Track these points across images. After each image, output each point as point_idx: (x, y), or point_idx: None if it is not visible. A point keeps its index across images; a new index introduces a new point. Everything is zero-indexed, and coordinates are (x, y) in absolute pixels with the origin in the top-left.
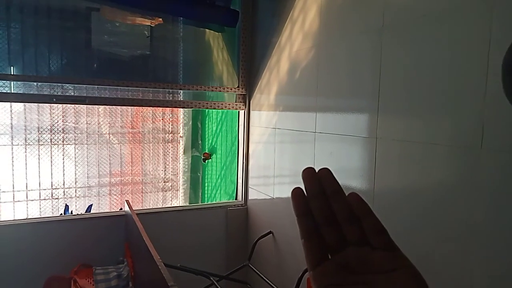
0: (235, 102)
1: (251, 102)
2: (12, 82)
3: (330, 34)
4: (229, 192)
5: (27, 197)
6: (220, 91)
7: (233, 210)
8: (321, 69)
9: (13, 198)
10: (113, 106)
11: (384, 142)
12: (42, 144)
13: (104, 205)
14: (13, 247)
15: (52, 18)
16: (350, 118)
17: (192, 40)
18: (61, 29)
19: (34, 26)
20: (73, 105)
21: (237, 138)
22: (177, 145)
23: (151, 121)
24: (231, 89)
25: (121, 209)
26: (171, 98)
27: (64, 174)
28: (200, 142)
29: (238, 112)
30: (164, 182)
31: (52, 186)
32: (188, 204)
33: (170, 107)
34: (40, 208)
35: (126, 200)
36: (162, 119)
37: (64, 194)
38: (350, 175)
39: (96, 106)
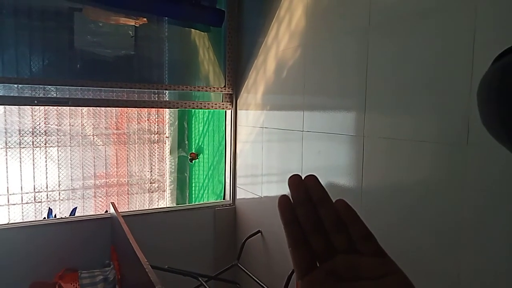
0: (222, 101)
1: (238, 101)
2: None
3: (317, 33)
4: (217, 192)
5: (8, 201)
6: (207, 91)
7: (221, 210)
8: (308, 68)
9: None
10: (97, 107)
11: (371, 140)
12: (23, 147)
13: (89, 208)
14: None
15: (33, 18)
16: (338, 117)
17: (178, 40)
18: (42, 29)
19: (14, 27)
20: (55, 107)
21: (224, 137)
22: (163, 146)
23: (137, 122)
24: (218, 89)
25: (106, 211)
26: (156, 99)
27: (47, 177)
28: (186, 142)
29: (225, 111)
30: (150, 183)
31: (34, 189)
32: (175, 205)
33: (155, 108)
34: (23, 212)
35: (111, 202)
36: (148, 120)
37: (47, 197)
38: (338, 173)
39: (80, 107)
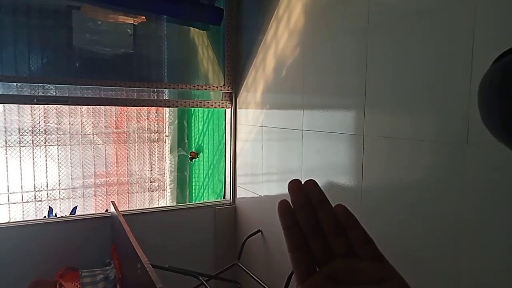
0: (221, 100)
1: (237, 100)
2: None
3: (316, 31)
4: (217, 191)
5: (8, 200)
6: (206, 89)
7: (221, 209)
8: (307, 66)
9: None
10: (97, 106)
11: (371, 139)
12: (23, 146)
13: (89, 207)
14: None
15: (32, 16)
16: (337, 116)
17: (177, 38)
18: (41, 27)
19: (13, 25)
20: (55, 106)
21: (224, 136)
22: (163, 145)
23: (136, 121)
24: (217, 88)
25: (106, 210)
26: (156, 97)
27: (47, 176)
28: (186, 141)
29: (225, 110)
30: (150, 182)
31: (35, 188)
32: (175, 204)
33: (155, 106)
34: (23, 211)
35: (111, 201)
36: (148, 119)
37: (48, 196)
38: (338, 172)
39: (79, 106)
